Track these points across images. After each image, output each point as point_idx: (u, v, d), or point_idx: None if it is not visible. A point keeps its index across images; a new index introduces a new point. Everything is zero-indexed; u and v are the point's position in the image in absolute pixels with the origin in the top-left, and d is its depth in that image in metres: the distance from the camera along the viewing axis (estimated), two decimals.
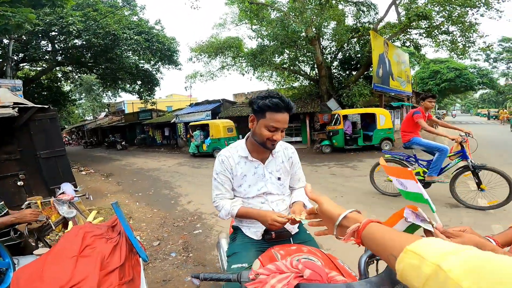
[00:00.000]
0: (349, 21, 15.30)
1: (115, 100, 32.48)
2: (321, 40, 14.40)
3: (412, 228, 0.89)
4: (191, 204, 5.21)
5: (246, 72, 16.36)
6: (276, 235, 1.42)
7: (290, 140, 14.79)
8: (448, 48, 13.63)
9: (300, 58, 14.97)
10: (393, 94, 15.29)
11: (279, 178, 1.51)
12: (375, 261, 0.97)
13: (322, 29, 13.46)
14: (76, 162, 13.39)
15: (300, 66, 15.93)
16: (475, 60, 29.45)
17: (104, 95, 31.10)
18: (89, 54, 14.49)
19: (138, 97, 19.19)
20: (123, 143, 20.52)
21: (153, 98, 19.17)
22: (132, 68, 15.80)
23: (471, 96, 58.32)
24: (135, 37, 12.85)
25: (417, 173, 4.33)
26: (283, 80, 17.03)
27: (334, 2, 13.84)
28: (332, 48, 15.83)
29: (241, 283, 0.97)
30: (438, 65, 30.18)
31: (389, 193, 4.74)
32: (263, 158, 1.50)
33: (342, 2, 14.55)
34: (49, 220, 2.28)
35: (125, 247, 1.50)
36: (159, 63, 16.59)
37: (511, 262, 0.35)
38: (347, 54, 15.84)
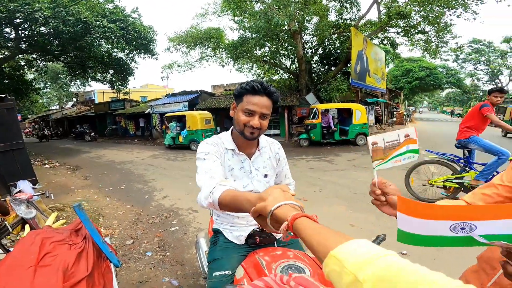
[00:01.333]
0: (332, 16, 15.45)
1: (84, 89, 30.55)
2: (303, 34, 14.42)
3: (457, 241, 0.70)
4: (166, 199, 5.01)
5: (226, 63, 16.08)
6: (260, 240, 1.32)
7: (268, 133, 14.79)
8: (422, 48, 14.23)
9: (281, 51, 14.92)
10: (368, 90, 15.77)
11: (265, 175, 1.40)
12: None
13: (305, 23, 13.45)
14: (39, 154, 12.46)
15: (281, 60, 15.91)
16: (445, 60, 31.24)
17: (72, 84, 29.09)
18: (56, 42, 13.44)
19: (110, 87, 18.16)
20: (92, 134, 19.41)
21: (126, 87, 18.22)
22: (104, 56, 14.90)
23: (438, 94, 61.94)
24: (109, 25, 12.08)
25: (455, 178, 3.93)
26: (263, 72, 16.92)
27: None
28: (313, 43, 15.92)
29: None
30: (410, 64, 31.56)
31: (429, 199, 4.11)
32: (249, 154, 1.38)
33: None
34: (5, 222, 2.04)
35: (93, 253, 1.34)
36: (134, 52, 15.77)
37: (423, 273, 0.35)
38: (327, 50, 16.01)
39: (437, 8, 11.69)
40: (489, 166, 3.69)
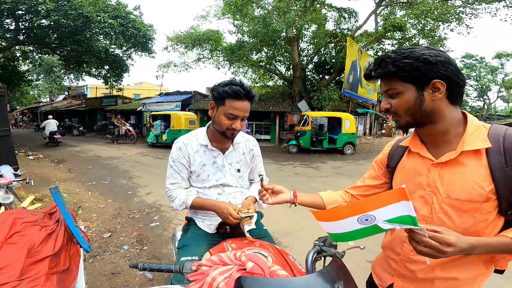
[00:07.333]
0: (329, 26, 15.73)
1: (78, 83, 30.21)
2: (299, 41, 14.63)
3: (369, 231, 0.73)
4: (150, 196, 4.99)
5: (222, 66, 16.22)
6: (231, 230, 1.37)
7: (259, 137, 14.88)
8: None
9: (277, 57, 15.10)
10: (360, 101, 16.07)
11: (238, 170, 1.45)
12: (322, 258, 0.94)
13: (303, 31, 13.66)
14: (23, 146, 12.19)
15: (276, 66, 16.10)
16: None
17: (66, 77, 28.80)
18: (55, 35, 13.38)
19: (103, 82, 18.06)
20: (81, 128, 19.14)
21: (120, 84, 18.17)
22: (101, 52, 14.89)
23: None
24: (110, 21, 12.12)
25: None
26: (258, 77, 17.08)
27: (318, 6, 14.10)
28: (309, 50, 16.21)
29: (183, 274, 0.93)
30: None
31: None
32: (224, 148, 1.42)
33: (326, 7, 14.88)
34: None
35: (63, 235, 1.36)
36: (132, 49, 15.77)
37: None
38: (323, 58, 16.27)
39: (432, 21, 11.85)
40: None
